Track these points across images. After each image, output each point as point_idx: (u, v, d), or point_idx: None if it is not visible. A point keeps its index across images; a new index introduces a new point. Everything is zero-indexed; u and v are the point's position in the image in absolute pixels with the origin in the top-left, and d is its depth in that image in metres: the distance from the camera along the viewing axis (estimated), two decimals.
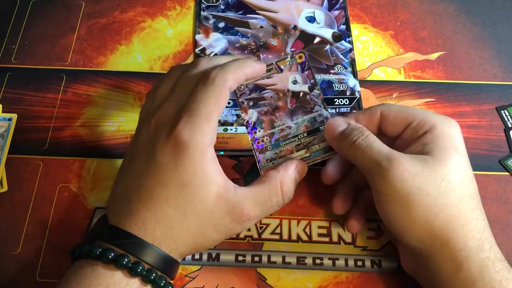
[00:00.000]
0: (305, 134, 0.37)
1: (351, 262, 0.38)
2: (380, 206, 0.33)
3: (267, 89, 0.38)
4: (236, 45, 0.48)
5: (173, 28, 0.50)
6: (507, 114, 0.45)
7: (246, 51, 0.48)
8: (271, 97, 0.38)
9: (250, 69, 0.34)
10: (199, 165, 0.30)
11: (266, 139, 0.37)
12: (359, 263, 0.38)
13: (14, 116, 0.44)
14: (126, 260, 0.29)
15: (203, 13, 0.50)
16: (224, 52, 0.48)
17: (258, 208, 0.32)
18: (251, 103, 0.38)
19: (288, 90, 0.38)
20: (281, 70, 0.38)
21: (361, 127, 0.34)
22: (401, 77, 0.47)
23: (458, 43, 0.50)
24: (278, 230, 0.39)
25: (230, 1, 0.51)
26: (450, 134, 0.33)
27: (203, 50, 0.48)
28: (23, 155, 0.42)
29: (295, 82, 0.38)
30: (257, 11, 0.50)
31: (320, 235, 0.39)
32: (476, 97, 0.46)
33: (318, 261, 0.38)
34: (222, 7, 0.51)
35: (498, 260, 0.30)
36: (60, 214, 0.40)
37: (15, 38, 0.49)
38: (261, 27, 0.49)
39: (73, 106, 0.45)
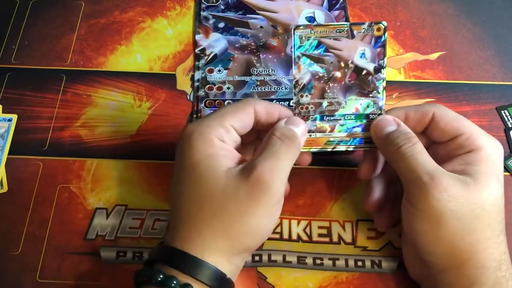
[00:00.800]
0: (352, 117, 0.35)
1: (351, 263, 0.38)
2: (408, 216, 0.32)
3: (330, 52, 0.34)
4: (236, 45, 0.48)
5: (173, 28, 0.50)
6: (507, 114, 0.45)
7: (246, 51, 0.48)
8: (331, 62, 0.34)
9: (281, 110, 0.34)
10: (204, 151, 0.30)
11: (311, 107, 0.35)
12: (359, 263, 0.38)
13: (14, 116, 0.44)
14: (159, 276, 0.29)
15: (203, 13, 0.50)
16: (224, 52, 0.48)
17: (268, 160, 0.30)
18: (307, 62, 0.34)
19: (352, 62, 0.34)
20: (353, 36, 0.34)
21: (409, 132, 0.33)
22: (401, 77, 0.47)
23: (458, 43, 0.50)
24: (278, 230, 0.39)
25: (230, 1, 0.51)
26: (495, 160, 0.32)
27: (203, 50, 0.48)
28: (23, 155, 0.42)
29: (362, 55, 0.34)
30: (257, 11, 0.50)
31: (320, 235, 0.39)
32: (476, 97, 0.46)
33: (318, 261, 0.38)
34: (222, 7, 0.51)
35: None
36: (60, 214, 0.40)
37: (15, 38, 0.49)
38: (261, 27, 0.49)
39: (73, 107, 0.45)
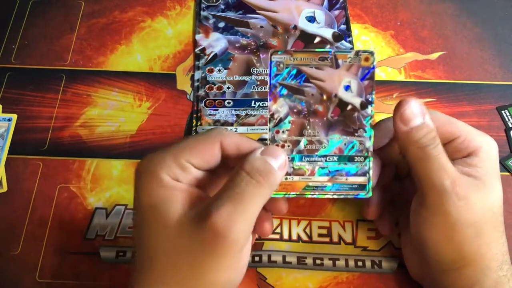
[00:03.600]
0: (335, 158, 0.30)
1: (351, 263, 0.38)
2: (418, 220, 0.31)
3: (311, 83, 0.30)
4: (236, 45, 0.48)
5: (173, 28, 0.50)
6: (507, 114, 0.45)
7: (246, 51, 0.48)
8: (312, 94, 0.30)
9: (255, 146, 0.29)
10: (154, 194, 0.27)
11: (288, 145, 0.30)
12: (360, 263, 0.38)
13: (14, 116, 0.44)
14: None
15: (203, 13, 0.50)
16: (224, 52, 0.48)
17: (227, 205, 0.25)
18: (284, 92, 0.30)
19: (335, 96, 0.30)
20: (338, 66, 0.30)
21: (434, 129, 0.30)
22: (401, 77, 0.47)
23: (458, 43, 0.50)
24: (278, 230, 0.39)
25: (230, 1, 0.51)
26: (494, 159, 0.32)
27: (203, 50, 0.48)
28: (23, 155, 0.42)
29: (347, 88, 0.30)
30: (257, 11, 0.50)
31: (320, 235, 0.39)
32: (476, 97, 0.46)
33: (318, 261, 0.38)
34: (222, 7, 0.51)
35: None
36: (60, 214, 0.39)
37: (15, 38, 0.49)
38: (261, 27, 0.49)
39: (73, 106, 0.45)
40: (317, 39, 0.48)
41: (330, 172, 0.30)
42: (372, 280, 0.37)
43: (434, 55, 0.49)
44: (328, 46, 0.48)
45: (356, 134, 0.30)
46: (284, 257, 0.38)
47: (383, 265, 0.38)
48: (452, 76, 0.48)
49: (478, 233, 0.30)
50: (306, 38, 0.48)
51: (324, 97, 0.30)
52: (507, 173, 0.42)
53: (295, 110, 0.30)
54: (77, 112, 0.45)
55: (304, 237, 0.39)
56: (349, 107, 0.30)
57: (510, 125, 0.44)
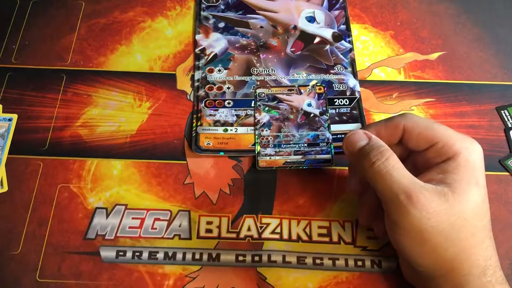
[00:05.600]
0: (305, 145, 0.41)
1: (351, 262, 0.38)
2: (391, 232, 0.32)
3: (283, 103, 0.43)
4: (236, 45, 0.48)
5: (173, 28, 0.50)
6: (507, 114, 0.45)
7: (246, 51, 0.48)
8: (285, 109, 0.43)
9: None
10: None
11: (270, 138, 0.41)
12: (359, 263, 0.38)
13: (14, 116, 0.44)
14: None
15: (203, 13, 0.50)
16: (224, 52, 0.48)
17: None
18: (266, 108, 0.43)
19: (301, 109, 0.43)
20: (301, 93, 0.44)
21: (381, 145, 0.33)
22: (401, 77, 0.47)
23: (458, 43, 0.50)
24: (278, 230, 0.39)
25: (230, 1, 0.51)
26: (473, 164, 0.32)
27: (203, 50, 0.48)
28: (23, 155, 0.42)
29: (309, 105, 0.43)
30: (257, 11, 0.50)
31: (320, 235, 0.39)
32: (476, 97, 0.46)
33: (318, 261, 0.38)
34: (222, 7, 0.51)
35: (498, 283, 0.31)
36: (60, 214, 0.40)
37: (15, 38, 0.49)
38: (261, 27, 0.49)
39: (73, 106, 0.45)
40: (317, 39, 0.49)
41: (302, 153, 0.41)
42: (371, 280, 0.37)
43: (434, 55, 0.49)
44: (328, 46, 0.48)
45: (318, 130, 0.42)
46: (284, 257, 0.38)
47: (383, 265, 0.38)
48: (451, 76, 0.48)
49: (450, 240, 0.30)
50: (306, 38, 0.49)
51: (294, 110, 0.43)
52: (507, 173, 0.42)
53: (274, 118, 0.43)
54: (77, 112, 0.45)
55: (304, 237, 0.39)
56: (312, 115, 0.43)
57: (510, 125, 0.44)
